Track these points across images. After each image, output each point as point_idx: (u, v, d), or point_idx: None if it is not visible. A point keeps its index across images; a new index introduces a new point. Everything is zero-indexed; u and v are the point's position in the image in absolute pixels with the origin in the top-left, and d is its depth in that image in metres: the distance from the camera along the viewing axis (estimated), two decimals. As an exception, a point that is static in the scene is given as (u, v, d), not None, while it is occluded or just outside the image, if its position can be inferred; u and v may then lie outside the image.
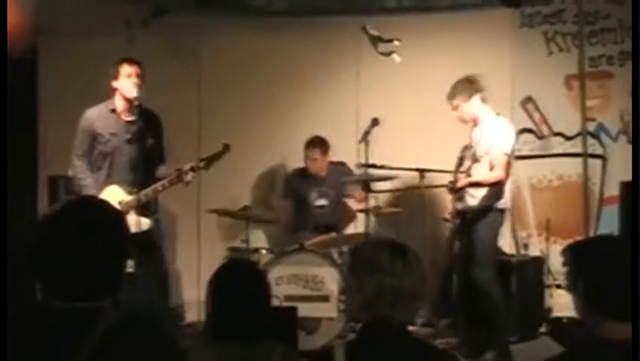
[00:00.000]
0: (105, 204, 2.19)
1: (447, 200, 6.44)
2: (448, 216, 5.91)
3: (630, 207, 5.19)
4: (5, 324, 2.07)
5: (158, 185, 5.43)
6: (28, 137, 6.56)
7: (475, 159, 5.63)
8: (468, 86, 5.68)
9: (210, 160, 5.54)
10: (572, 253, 2.52)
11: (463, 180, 5.64)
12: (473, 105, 5.67)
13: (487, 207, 5.59)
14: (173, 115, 5.88)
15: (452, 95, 5.70)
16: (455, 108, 5.70)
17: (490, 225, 5.62)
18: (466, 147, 5.75)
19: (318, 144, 6.77)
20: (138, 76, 5.50)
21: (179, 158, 5.73)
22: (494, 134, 5.56)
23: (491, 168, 5.54)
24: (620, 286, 2.38)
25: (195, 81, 7.15)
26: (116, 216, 2.16)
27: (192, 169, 5.43)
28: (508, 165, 5.60)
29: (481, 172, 5.60)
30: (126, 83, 5.49)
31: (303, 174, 6.93)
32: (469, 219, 5.67)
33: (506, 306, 5.62)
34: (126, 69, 5.52)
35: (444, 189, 5.91)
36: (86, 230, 2.05)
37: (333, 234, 6.55)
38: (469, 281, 5.62)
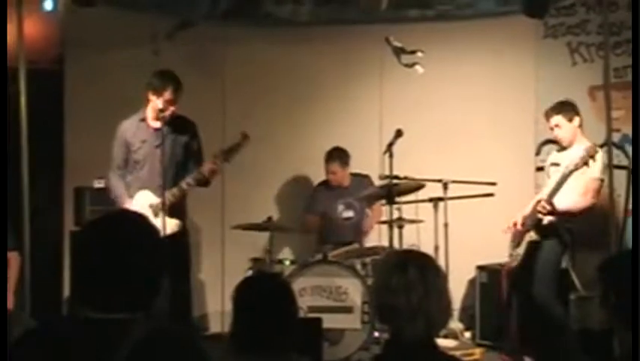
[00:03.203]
0: (143, 219, 2.23)
1: (471, 210, 6.44)
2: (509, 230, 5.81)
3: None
4: (5, 325, 2.09)
5: (183, 183, 5.53)
6: (54, 149, 6.62)
7: (566, 182, 5.58)
8: (571, 107, 5.74)
9: (230, 151, 5.59)
10: (603, 268, 2.53)
11: (553, 205, 5.51)
12: (574, 127, 5.71)
13: (560, 227, 5.61)
14: (197, 125, 5.91)
15: (556, 112, 5.71)
16: (556, 126, 5.72)
17: (560, 243, 5.66)
18: (554, 164, 5.76)
19: (336, 156, 6.77)
20: None
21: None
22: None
23: (584, 194, 5.57)
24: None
25: (219, 92, 7.18)
26: (154, 232, 2.21)
27: (212, 162, 5.50)
28: (599, 190, 5.61)
29: (571, 197, 5.57)
30: None
31: (327, 185, 6.95)
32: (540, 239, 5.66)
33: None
34: None
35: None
36: (124, 244, 2.09)
37: (356, 245, 6.56)
38: (531, 299, 5.62)
